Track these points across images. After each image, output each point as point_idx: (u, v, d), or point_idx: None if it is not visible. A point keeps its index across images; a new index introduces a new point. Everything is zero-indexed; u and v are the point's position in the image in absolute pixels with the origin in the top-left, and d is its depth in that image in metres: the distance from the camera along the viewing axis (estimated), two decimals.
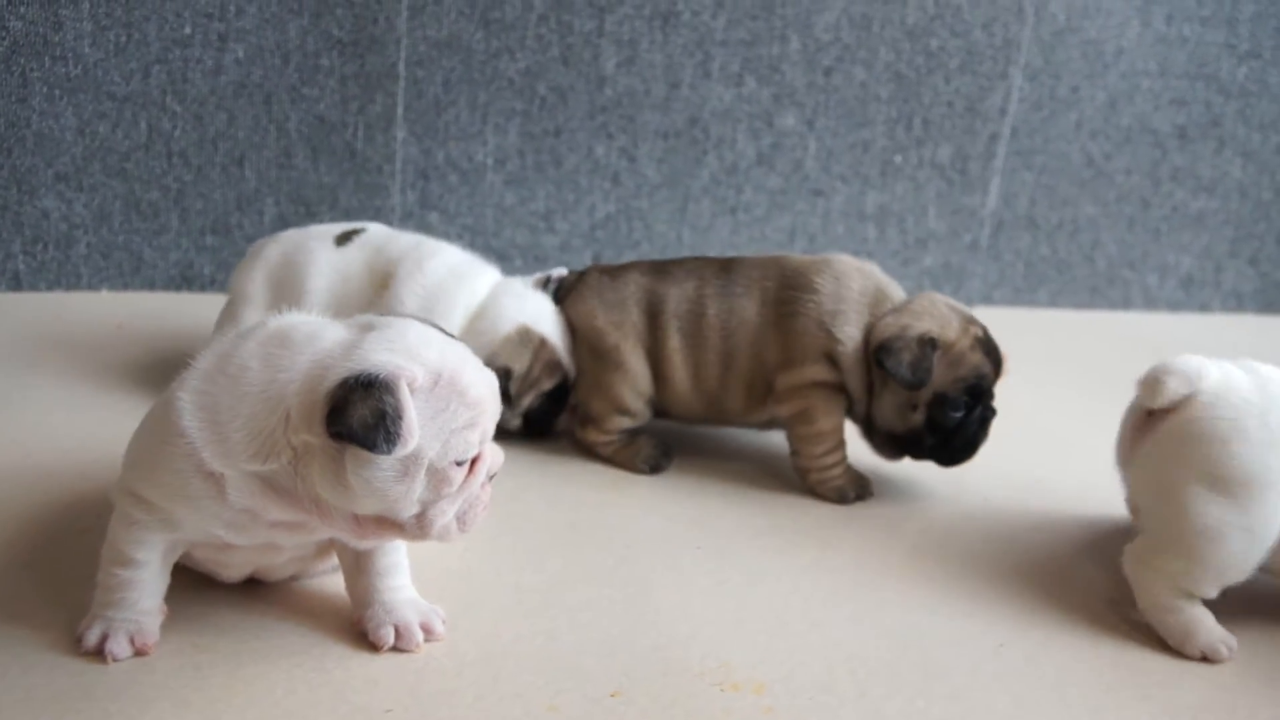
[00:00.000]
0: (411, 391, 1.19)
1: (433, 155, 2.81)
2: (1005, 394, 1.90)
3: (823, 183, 3.03)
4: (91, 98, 2.57)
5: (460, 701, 1.29)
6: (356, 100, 2.72)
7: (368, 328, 1.26)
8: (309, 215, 2.76)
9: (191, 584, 1.42)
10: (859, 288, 1.87)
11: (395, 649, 1.37)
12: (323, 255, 2.02)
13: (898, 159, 3.05)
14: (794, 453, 1.90)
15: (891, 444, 1.86)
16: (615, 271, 2.01)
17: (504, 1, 2.73)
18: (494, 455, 1.31)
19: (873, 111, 3.00)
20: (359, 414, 1.16)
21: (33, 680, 1.27)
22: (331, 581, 1.50)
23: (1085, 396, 2.44)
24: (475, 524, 1.30)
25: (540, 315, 1.98)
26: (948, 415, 1.79)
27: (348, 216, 2.78)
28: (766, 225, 3.03)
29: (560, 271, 2.09)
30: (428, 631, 1.38)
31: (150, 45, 2.58)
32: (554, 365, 1.97)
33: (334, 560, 1.44)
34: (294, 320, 1.30)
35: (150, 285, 2.72)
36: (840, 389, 1.86)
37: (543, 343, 1.96)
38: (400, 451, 1.17)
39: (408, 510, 1.24)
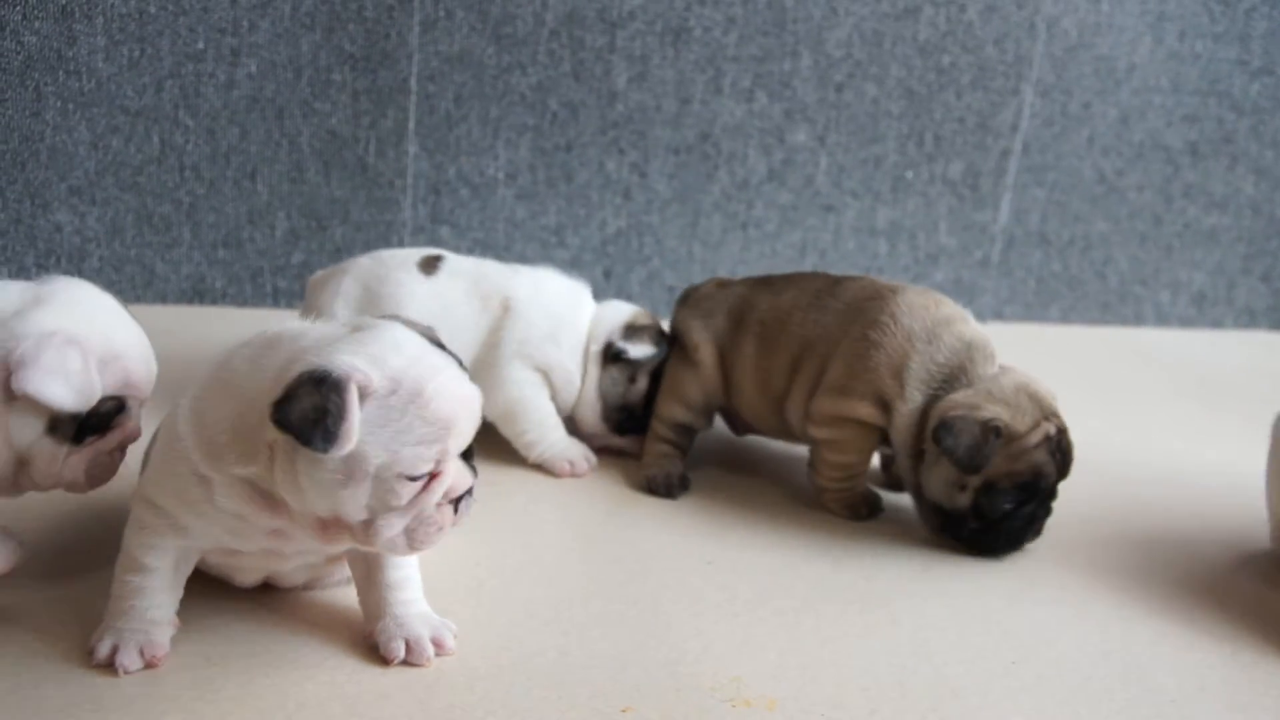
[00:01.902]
0: (363, 395, 1.18)
1: (444, 170, 2.81)
2: None
3: (834, 198, 3.03)
4: (105, 112, 2.58)
5: (471, 716, 1.28)
6: (368, 115, 2.73)
7: (355, 328, 1.27)
8: (320, 229, 2.77)
9: (203, 596, 1.42)
10: (948, 353, 1.77)
11: (406, 663, 1.37)
12: (415, 285, 2.03)
13: (909, 175, 3.05)
14: (813, 467, 1.89)
15: (934, 516, 1.78)
16: (726, 282, 2.06)
17: (515, 17, 2.74)
18: (458, 477, 1.27)
19: (884, 127, 3.00)
20: (301, 408, 1.16)
21: (45, 692, 1.27)
22: (342, 594, 1.50)
23: (1097, 414, 2.43)
24: (428, 543, 1.27)
25: None
26: (995, 505, 1.71)
27: (359, 231, 2.79)
28: (777, 241, 3.03)
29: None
30: (439, 646, 1.38)
31: (163, 60, 2.59)
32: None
33: (346, 571, 1.44)
34: (290, 324, 1.31)
35: (162, 298, 2.72)
36: (881, 433, 1.81)
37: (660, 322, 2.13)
38: (336, 452, 1.17)
39: (355, 515, 1.23)
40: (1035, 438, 1.70)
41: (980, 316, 3.09)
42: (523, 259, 2.86)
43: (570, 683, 1.36)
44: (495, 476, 1.96)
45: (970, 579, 1.69)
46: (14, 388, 1.28)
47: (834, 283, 1.92)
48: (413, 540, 1.26)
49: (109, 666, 1.31)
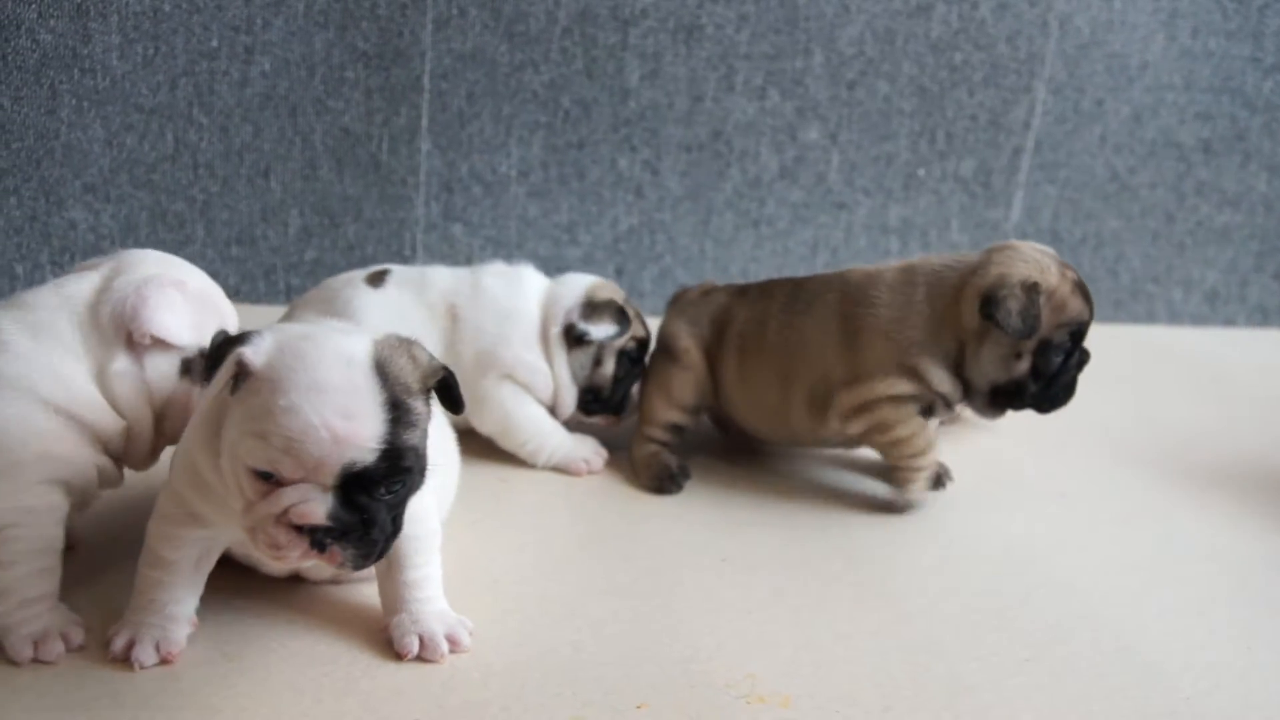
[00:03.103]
0: (246, 365, 1.19)
1: (456, 167, 2.82)
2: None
3: (846, 196, 3.03)
4: (119, 110, 2.59)
5: (486, 712, 1.29)
6: (381, 113, 2.74)
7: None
8: (333, 226, 2.78)
9: (219, 592, 1.42)
10: (911, 287, 1.82)
11: (420, 659, 1.37)
12: (363, 298, 2.00)
13: (921, 172, 3.05)
14: (890, 466, 1.88)
15: (993, 399, 1.82)
16: (711, 290, 2.06)
17: (528, 15, 2.75)
18: (306, 505, 1.17)
19: (896, 125, 3.00)
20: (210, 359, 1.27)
21: (63, 686, 1.28)
22: (358, 590, 1.51)
23: (1109, 411, 2.43)
24: (266, 555, 1.22)
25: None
26: (1051, 360, 1.77)
27: (372, 228, 2.80)
28: (789, 238, 3.03)
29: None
30: (454, 643, 1.38)
31: (177, 58, 2.60)
32: (640, 316, 2.09)
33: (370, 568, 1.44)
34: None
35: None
36: (918, 398, 1.82)
37: (626, 297, 2.10)
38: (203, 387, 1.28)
39: (235, 498, 1.23)
40: (1066, 285, 1.77)
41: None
42: (535, 256, 2.87)
43: (585, 679, 1.36)
44: (507, 474, 1.97)
45: (983, 576, 1.69)
46: (136, 335, 1.39)
47: (796, 285, 1.95)
48: (254, 543, 1.22)
49: (125, 661, 1.32)
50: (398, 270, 2.05)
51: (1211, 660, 1.50)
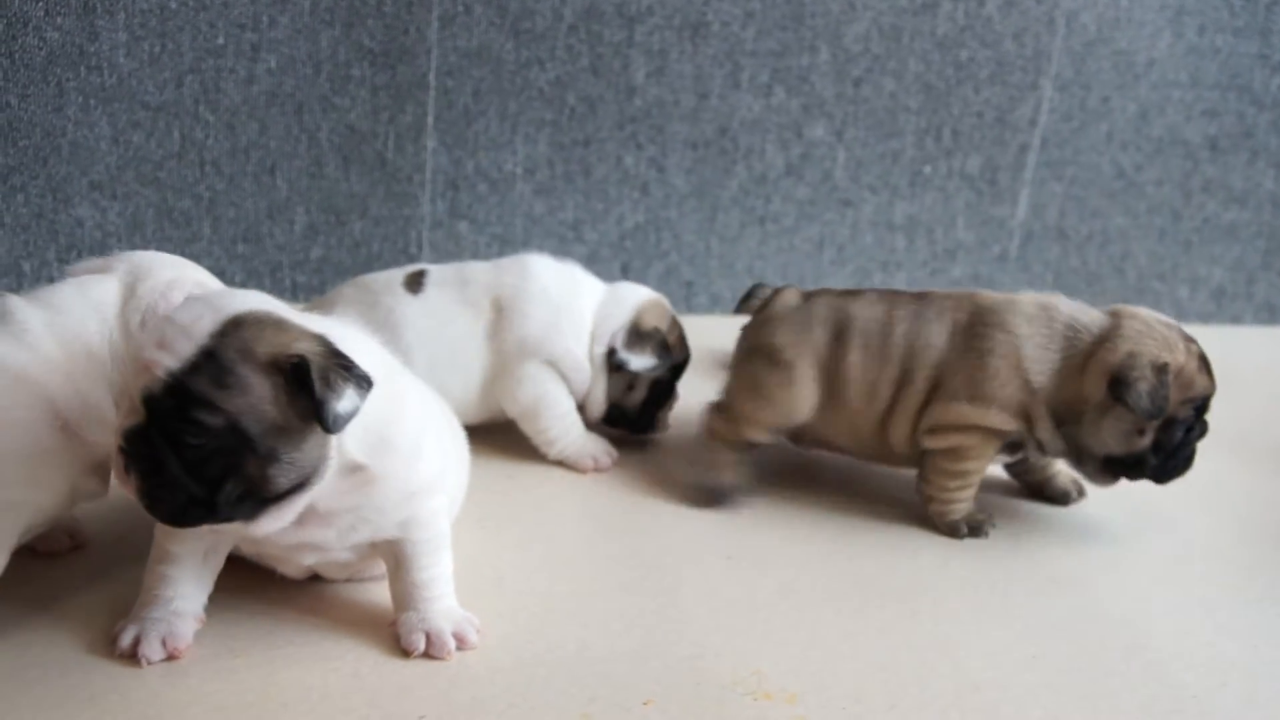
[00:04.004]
0: None
1: (462, 165, 2.82)
2: None
3: (851, 193, 3.03)
4: (126, 107, 2.59)
5: (493, 709, 1.29)
6: (387, 110, 2.74)
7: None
8: (339, 224, 2.78)
9: (226, 589, 1.42)
10: (1049, 331, 1.78)
11: (426, 656, 1.37)
12: (405, 307, 2.00)
13: (927, 170, 3.05)
14: (925, 479, 1.84)
15: (1108, 468, 1.79)
16: (809, 295, 1.95)
17: (534, 12, 2.75)
18: (123, 419, 1.24)
19: (902, 122, 3.00)
20: None
21: (70, 681, 1.28)
22: (365, 589, 1.51)
23: None
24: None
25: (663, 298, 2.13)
26: (1174, 436, 1.75)
27: (378, 225, 2.80)
28: (795, 235, 3.03)
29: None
30: (461, 640, 1.39)
31: (184, 55, 2.60)
32: (683, 339, 2.09)
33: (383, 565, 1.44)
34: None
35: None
36: (1001, 436, 1.79)
37: (674, 318, 2.09)
38: None
39: None
40: (1193, 361, 1.75)
41: None
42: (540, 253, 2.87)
43: (591, 676, 1.36)
44: (515, 471, 1.97)
45: (990, 573, 1.69)
46: None
47: (919, 295, 1.90)
48: None
49: (132, 657, 1.32)
50: (434, 270, 2.06)
51: (1218, 657, 1.50)
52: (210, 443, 1.20)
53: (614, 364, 2.00)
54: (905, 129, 3.00)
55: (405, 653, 1.37)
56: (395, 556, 1.39)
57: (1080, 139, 3.09)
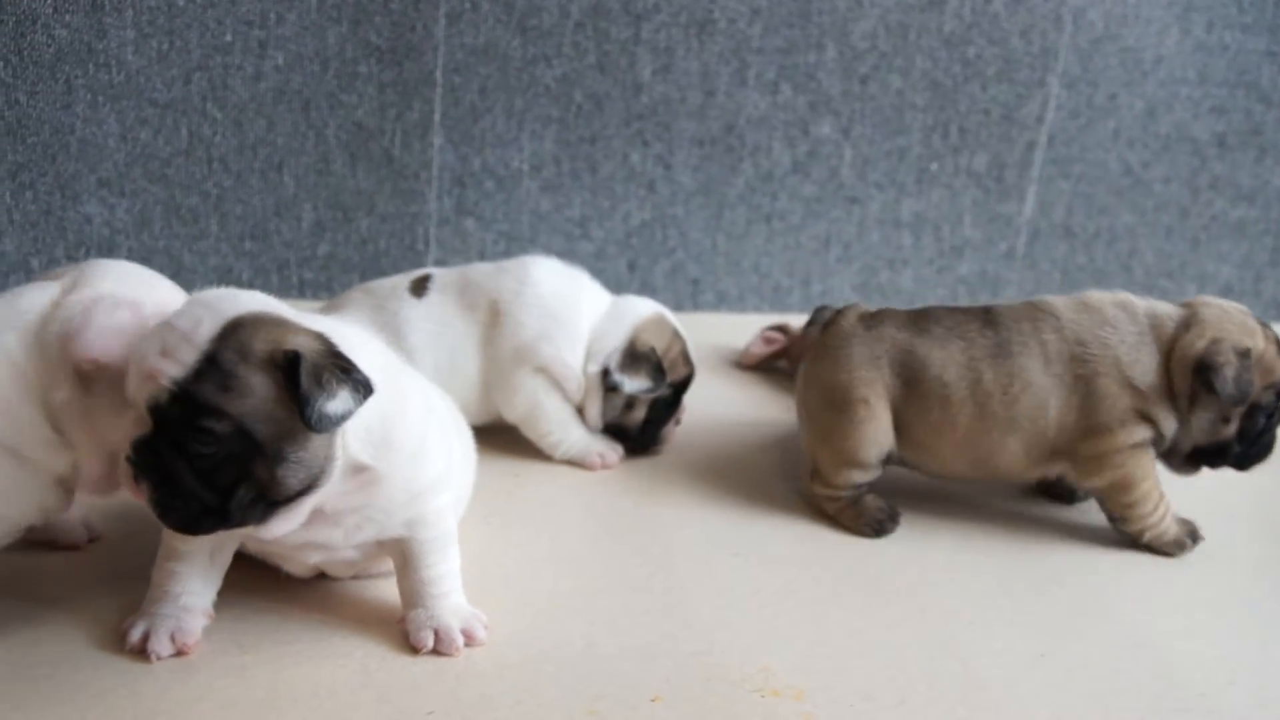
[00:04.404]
0: None
1: (469, 162, 2.82)
2: None
3: (858, 190, 3.03)
4: (134, 104, 2.60)
5: (501, 705, 1.29)
6: (394, 107, 2.74)
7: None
8: (346, 221, 2.78)
9: (235, 585, 1.43)
10: (1137, 328, 1.76)
11: (435, 652, 1.38)
12: (410, 311, 2.01)
13: (934, 167, 3.04)
14: (1119, 519, 1.79)
15: (1193, 459, 1.79)
16: (871, 321, 1.84)
17: (541, 9, 2.75)
18: (130, 430, 1.24)
19: (909, 119, 2.99)
20: None
21: (81, 677, 1.28)
22: (373, 586, 1.52)
23: None
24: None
25: (667, 312, 2.09)
26: (1257, 422, 1.75)
27: (384, 222, 2.80)
28: (801, 233, 3.03)
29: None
30: (469, 637, 1.39)
31: (192, 52, 2.61)
32: (685, 357, 2.05)
33: (390, 563, 1.45)
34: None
35: (189, 290, 2.73)
36: (1152, 442, 1.76)
37: (676, 332, 2.05)
38: None
39: None
40: (1272, 346, 1.75)
41: None
42: (547, 251, 2.84)
43: (599, 673, 1.36)
44: (521, 469, 1.97)
45: (997, 571, 1.69)
46: (73, 356, 1.27)
47: (988, 320, 1.80)
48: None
49: (141, 652, 1.32)
50: (439, 274, 2.06)
51: (1226, 656, 1.50)
52: (220, 450, 1.20)
53: (609, 385, 1.98)
54: (912, 126, 3.00)
55: (414, 649, 1.38)
56: (402, 555, 1.40)
57: (1087, 136, 3.09)
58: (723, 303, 3.03)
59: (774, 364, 2.58)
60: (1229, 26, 3.05)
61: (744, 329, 2.71)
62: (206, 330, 1.20)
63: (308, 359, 1.20)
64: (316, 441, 1.23)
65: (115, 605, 1.41)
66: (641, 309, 2.06)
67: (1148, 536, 1.78)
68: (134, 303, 1.31)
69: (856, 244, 3.07)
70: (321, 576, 1.49)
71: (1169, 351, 1.74)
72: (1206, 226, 3.23)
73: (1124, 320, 1.76)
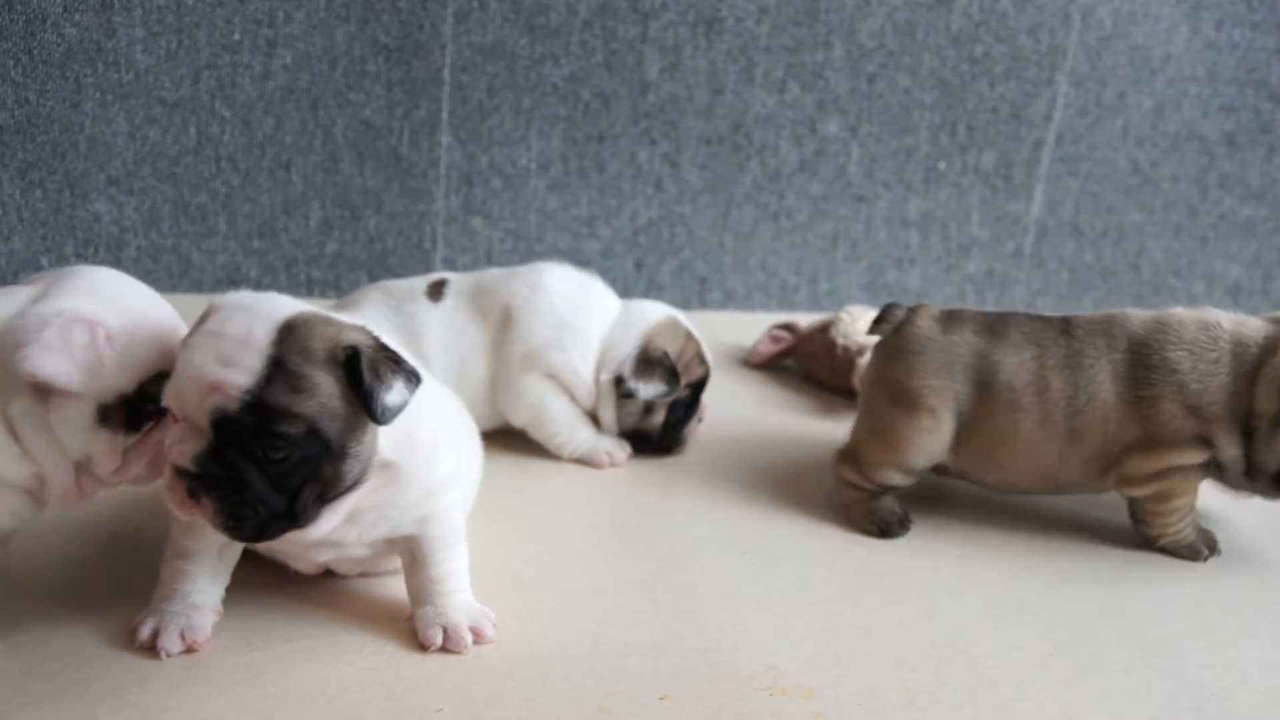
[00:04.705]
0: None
1: (477, 160, 2.82)
2: None
3: (865, 189, 3.02)
4: (143, 103, 2.60)
5: (510, 702, 1.29)
6: (402, 105, 2.74)
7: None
8: (354, 219, 2.79)
9: (245, 583, 1.43)
10: (1215, 352, 1.72)
11: (444, 650, 1.38)
12: (426, 315, 2.01)
13: (941, 165, 3.04)
14: (1142, 522, 1.78)
15: (1276, 483, 1.74)
16: (947, 324, 1.81)
17: (548, 8, 2.75)
18: (179, 444, 1.22)
19: (916, 118, 2.99)
20: None
21: (90, 674, 1.29)
22: (382, 583, 1.52)
23: None
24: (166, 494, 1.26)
25: (679, 314, 2.09)
26: None
27: (392, 220, 2.80)
28: (809, 231, 3.03)
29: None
30: (477, 635, 1.39)
31: (200, 51, 2.61)
32: (700, 357, 2.05)
33: (398, 561, 1.45)
34: None
35: (198, 288, 2.75)
36: (1205, 465, 1.74)
37: (689, 334, 2.05)
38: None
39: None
40: None
41: (1012, 308, 3.09)
42: (554, 249, 2.87)
43: (607, 671, 1.36)
44: (529, 466, 1.97)
45: (1006, 570, 1.69)
46: (13, 370, 1.22)
47: (1065, 330, 1.79)
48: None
49: (151, 649, 1.33)
50: (455, 279, 2.07)
51: (1238, 656, 1.50)
52: (294, 453, 1.20)
53: (624, 392, 1.98)
54: (920, 125, 3.00)
55: (423, 647, 1.38)
56: (411, 552, 1.40)
57: (1096, 134, 3.08)
58: (730, 301, 3.03)
59: (782, 362, 2.58)
60: (1238, 24, 3.04)
61: (751, 327, 2.71)
62: (262, 334, 1.20)
63: (365, 353, 1.22)
64: (369, 435, 1.25)
65: (124, 602, 1.41)
66: (652, 313, 2.06)
67: (1165, 541, 1.77)
68: (92, 322, 1.26)
69: (864, 242, 3.06)
70: (328, 574, 1.50)
71: (1253, 375, 1.69)
72: (1215, 225, 3.22)
73: (1203, 344, 1.72)
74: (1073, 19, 2.97)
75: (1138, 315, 1.78)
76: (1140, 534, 1.79)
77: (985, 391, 1.75)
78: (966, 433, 1.76)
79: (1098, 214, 3.16)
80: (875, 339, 1.87)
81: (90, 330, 1.26)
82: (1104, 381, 1.73)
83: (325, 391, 1.21)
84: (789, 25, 2.86)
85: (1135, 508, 1.79)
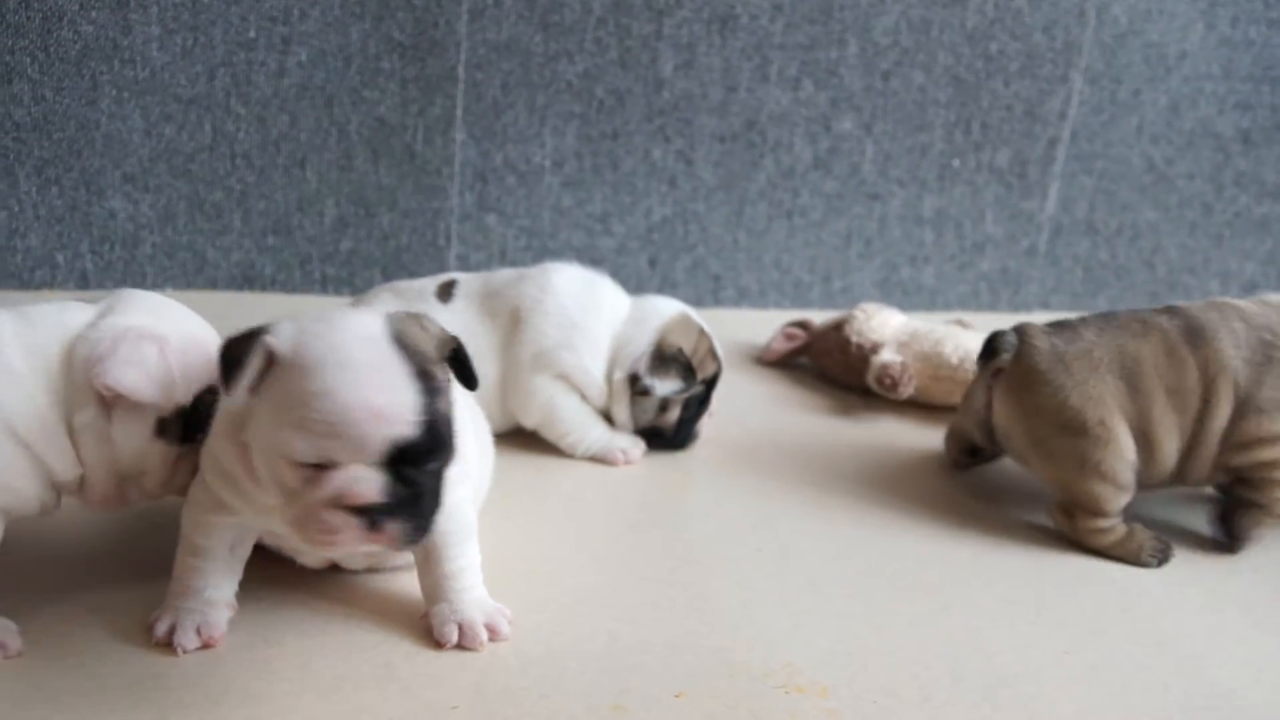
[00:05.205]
0: (273, 352, 1.19)
1: (491, 157, 2.82)
2: None
3: (880, 187, 3.02)
4: (158, 100, 2.61)
5: (525, 700, 1.29)
6: (416, 103, 2.75)
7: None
8: (369, 216, 2.79)
9: (260, 579, 1.44)
10: None
11: (459, 647, 1.38)
12: (435, 316, 2.02)
13: (956, 163, 3.03)
14: (1250, 497, 1.76)
15: None
16: (1064, 335, 1.77)
17: (563, 5, 2.75)
18: (356, 486, 1.17)
19: (931, 115, 2.98)
20: (226, 356, 1.22)
21: (107, 670, 1.29)
22: (396, 579, 1.52)
23: None
24: (318, 544, 1.22)
25: (690, 310, 2.10)
26: None
27: (407, 217, 2.81)
28: (823, 229, 3.02)
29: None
30: (493, 631, 1.39)
31: (216, 49, 2.62)
32: (713, 352, 2.05)
33: (409, 556, 1.45)
34: None
35: (213, 285, 2.76)
36: None
37: (701, 329, 2.05)
38: (229, 394, 1.22)
39: (272, 492, 1.23)
40: None
41: (1026, 306, 3.09)
42: (568, 246, 2.88)
43: (622, 668, 1.37)
44: (543, 463, 1.97)
45: (1021, 567, 1.69)
46: (94, 382, 1.30)
47: (1176, 314, 1.78)
48: (304, 532, 1.19)
49: (167, 645, 1.33)
50: (464, 280, 2.07)
51: (1253, 654, 1.50)
52: (451, 456, 1.23)
53: (639, 390, 1.99)
54: (934, 122, 2.99)
55: (438, 644, 1.38)
56: (424, 548, 1.40)
57: (1110, 132, 3.07)
58: (744, 299, 3.03)
59: (795, 360, 2.58)
60: (1254, 21, 3.03)
61: (765, 325, 2.71)
62: (386, 348, 1.19)
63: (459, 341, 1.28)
64: None
65: (141, 598, 1.42)
66: (664, 310, 2.06)
67: (1274, 519, 1.75)
68: (160, 337, 1.35)
69: (878, 240, 3.06)
70: (334, 569, 1.50)
71: None
72: (1230, 223, 3.21)
73: None
74: (1088, 16, 2.96)
75: (1240, 304, 1.79)
76: (1241, 513, 1.76)
77: (1137, 386, 1.72)
78: (1138, 432, 1.72)
79: (1112, 212, 3.15)
80: (976, 363, 1.87)
81: (160, 348, 1.34)
82: (1229, 345, 1.72)
83: (448, 386, 1.24)
84: (803, 23, 2.86)
85: (1244, 479, 1.75)
